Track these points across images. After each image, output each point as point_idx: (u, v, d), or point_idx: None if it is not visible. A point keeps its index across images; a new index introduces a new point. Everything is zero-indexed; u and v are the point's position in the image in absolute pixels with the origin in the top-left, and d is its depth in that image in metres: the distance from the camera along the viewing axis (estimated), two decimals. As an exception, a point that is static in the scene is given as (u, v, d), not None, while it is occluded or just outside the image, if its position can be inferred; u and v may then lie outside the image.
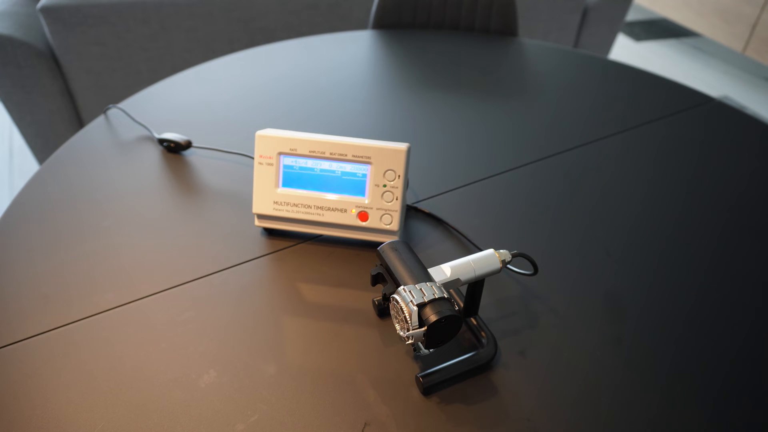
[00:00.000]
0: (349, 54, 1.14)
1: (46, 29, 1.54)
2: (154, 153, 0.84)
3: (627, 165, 0.85)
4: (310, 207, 0.66)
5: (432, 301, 0.48)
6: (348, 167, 0.65)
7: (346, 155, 0.64)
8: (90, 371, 0.54)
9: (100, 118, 0.92)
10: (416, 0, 1.30)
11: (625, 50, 3.10)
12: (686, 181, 0.83)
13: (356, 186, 0.65)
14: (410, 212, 0.75)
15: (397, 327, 0.51)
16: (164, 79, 1.25)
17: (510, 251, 0.63)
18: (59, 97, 1.63)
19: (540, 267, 0.67)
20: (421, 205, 0.76)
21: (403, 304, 0.48)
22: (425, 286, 0.49)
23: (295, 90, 1.01)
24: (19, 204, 0.74)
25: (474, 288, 0.55)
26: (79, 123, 1.73)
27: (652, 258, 0.69)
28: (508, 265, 0.64)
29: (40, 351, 0.56)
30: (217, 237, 0.70)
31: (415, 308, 0.48)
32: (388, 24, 1.32)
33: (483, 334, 0.57)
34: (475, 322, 0.58)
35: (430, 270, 0.53)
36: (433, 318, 0.47)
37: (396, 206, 0.65)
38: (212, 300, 0.62)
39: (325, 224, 0.67)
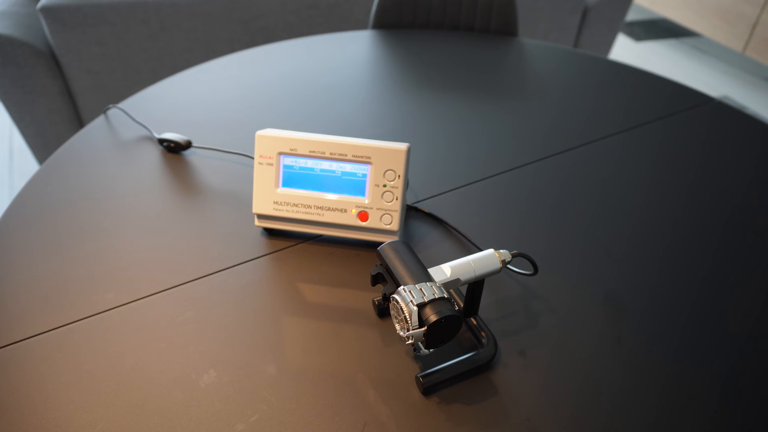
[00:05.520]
0: (349, 54, 1.14)
1: (46, 29, 1.54)
2: (154, 153, 0.84)
3: (627, 165, 0.85)
4: (310, 207, 0.66)
5: (432, 301, 0.48)
6: (348, 167, 0.65)
7: (346, 155, 0.64)
8: (90, 371, 0.54)
9: (100, 118, 0.92)
10: (416, 0, 1.30)
11: (625, 50, 3.10)
12: (686, 181, 0.83)
13: (356, 186, 0.65)
14: (410, 212, 0.75)
15: (397, 327, 0.51)
16: (164, 79, 1.25)
17: (510, 251, 0.63)
18: (59, 97, 1.63)
19: (540, 267, 0.67)
20: (421, 205, 0.76)
21: (403, 304, 0.48)
22: (425, 286, 0.49)
23: (295, 90, 1.01)
24: (19, 204, 0.74)
25: (474, 288, 0.55)
26: (79, 123, 1.73)
27: (652, 258, 0.69)
28: (508, 265, 0.64)
29: (40, 351, 0.56)
30: (217, 237, 0.70)
31: (415, 308, 0.48)
32: (388, 24, 1.32)
33: (483, 334, 0.57)
34: (475, 322, 0.58)
35: (430, 270, 0.53)
36: (433, 318, 0.47)
37: (396, 206, 0.65)
38: (212, 300, 0.62)
39: (325, 224, 0.67)
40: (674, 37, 3.28)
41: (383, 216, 0.65)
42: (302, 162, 0.66)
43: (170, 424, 0.50)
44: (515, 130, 0.93)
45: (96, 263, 0.66)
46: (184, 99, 0.97)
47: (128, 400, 0.52)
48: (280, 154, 0.66)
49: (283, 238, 0.70)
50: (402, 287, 0.50)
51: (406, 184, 0.66)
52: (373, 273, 0.55)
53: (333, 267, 0.66)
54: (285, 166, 0.66)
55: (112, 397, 0.52)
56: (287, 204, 0.66)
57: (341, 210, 0.66)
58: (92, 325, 0.59)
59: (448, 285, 0.53)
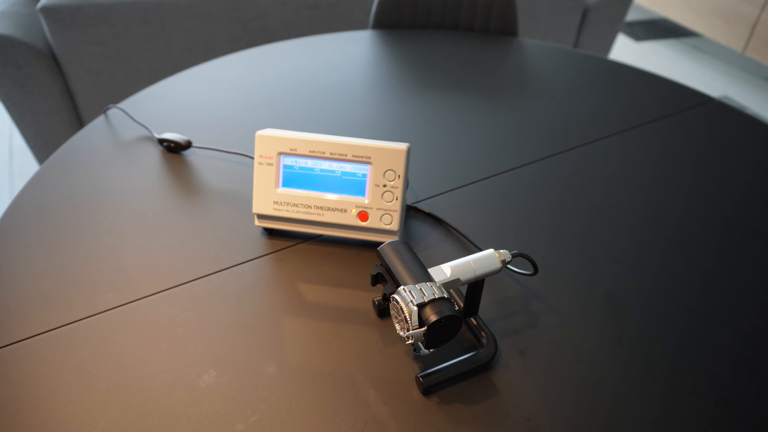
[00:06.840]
0: (349, 54, 1.14)
1: (46, 29, 1.54)
2: (154, 153, 0.84)
3: (627, 165, 0.85)
4: (310, 207, 0.66)
5: (432, 301, 0.48)
6: (348, 167, 0.65)
7: (346, 155, 0.64)
8: (90, 371, 0.54)
9: (100, 118, 0.92)
10: (416, 0, 1.30)
11: (625, 50, 3.10)
12: (686, 181, 0.83)
13: (356, 186, 0.65)
14: (410, 212, 0.75)
15: (397, 327, 0.51)
16: (164, 79, 1.25)
17: (510, 251, 0.63)
18: (59, 97, 1.63)
19: (540, 267, 0.67)
20: (421, 205, 0.76)
21: (403, 304, 0.48)
22: (425, 286, 0.49)
23: (295, 90, 1.01)
24: (19, 204, 0.74)
25: (474, 288, 0.55)
26: (79, 123, 1.73)
27: (652, 258, 0.69)
28: (508, 265, 0.64)
29: (40, 351, 0.56)
30: (217, 237, 0.70)
31: (415, 308, 0.48)
32: (388, 24, 1.32)
33: (483, 334, 0.57)
34: (475, 322, 0.58)
35: (430, 270, 0.53)
36: (433, 318, 0.47)
37: (396, 206, 0.65)
38: (212, 300, 0.62)
39: (325, 224, 0.67)
40: (674, 37, 3.27)
41: (383, 216, 0.65)
42: (302, 162, 0.66)
43: (170, 424, 0.50)
44: (515, 130, 0.93)
45: (96, 263, 0.66)
46: (184, 99, 0.97)
47: (128, 400, 0.52)
48: (280, 154, 0.66)
49: (283, 238, 0.70)
50: (402, 287, 0.50)
51: (406, 184, 0.66)
52: (373, 273, 0.55)
53: (333, 267, 0.66)
54: (285, 166, 0.66)
55: (112, 397, 0.52)
56: (287, 204, 0.66)
57: (341, 210, 0.66)
58: (92, 325, 0.59)
59: (448, 285, 0.53)
